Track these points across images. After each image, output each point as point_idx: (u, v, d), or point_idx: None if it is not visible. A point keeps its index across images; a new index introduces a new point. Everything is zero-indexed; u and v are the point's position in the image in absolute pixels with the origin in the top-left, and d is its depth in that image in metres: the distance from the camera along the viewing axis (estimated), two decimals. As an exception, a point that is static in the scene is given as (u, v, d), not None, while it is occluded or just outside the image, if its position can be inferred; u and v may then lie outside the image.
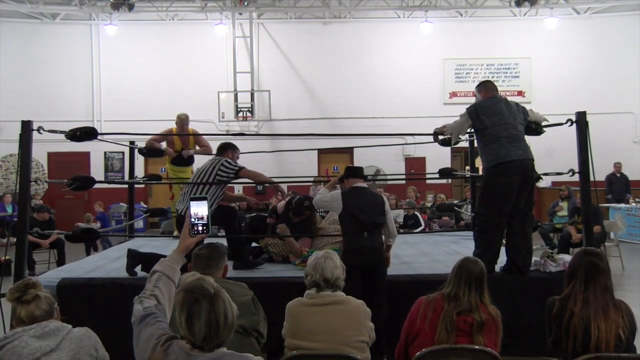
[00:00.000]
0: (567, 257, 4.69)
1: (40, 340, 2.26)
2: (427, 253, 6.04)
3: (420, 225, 9.45)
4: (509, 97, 5.77)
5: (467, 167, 9.62)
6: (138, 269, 4.79)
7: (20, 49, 14.78)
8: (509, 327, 3.43)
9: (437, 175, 7.13)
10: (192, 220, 2.36)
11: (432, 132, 5.25)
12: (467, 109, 4.80)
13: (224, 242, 4.69)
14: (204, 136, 7.68)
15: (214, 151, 7.20)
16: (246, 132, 13.69)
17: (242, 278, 3.92)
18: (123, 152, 14.41)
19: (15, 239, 4.60)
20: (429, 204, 11.81)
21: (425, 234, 8.39)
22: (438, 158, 12.77)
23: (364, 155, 14.30)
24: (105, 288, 4.55)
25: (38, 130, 4.64)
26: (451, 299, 2.99)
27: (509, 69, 15.36)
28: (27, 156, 4.63)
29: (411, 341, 3.08)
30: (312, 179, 12.59)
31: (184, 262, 2.40)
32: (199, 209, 2.37)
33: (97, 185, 5.31)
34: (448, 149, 12.66)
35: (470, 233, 5.88)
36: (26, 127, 4.60)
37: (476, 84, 5.13)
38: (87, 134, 4.94)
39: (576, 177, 4.93)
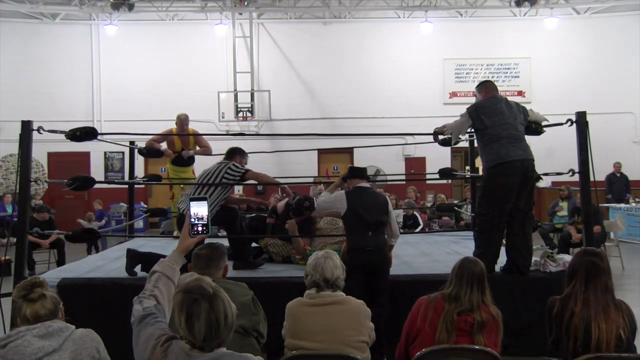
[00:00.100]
0: (567, 257, 4.69)
1: (43, 340, 2.26)
2: (427, 253, 6.04)
3: (419, 224, 9.45)
4: (509, 97, 5.77)
5: (467, 167, 9.62)
6: (138, 268, 4.79)
7: (20, 49, 14.78)
8: (509, 327, 3.42)
9: (437, 175, 7.11)
10: (192, 220, 2.36)
11: (432, 132, 5.24)
12: (467, 108, 4.80)
13: (223, 242, 4.69)
14: (204, 136, 7.68)
15: (215, 152, 7.27)
16: (246, 132, 13.70)
17: (242, 278, 3.92)
18: (123, 152, 14.41)
19: (15, 239, 4.60)
20: (429, 204, 11.81)
21: (425, 234, 8.39)
22: (438, 158, 12.77)
23: (364, 155, 14.29)
24: (105, 288, 4.55)
25: (38, 130, 4.64)
26: (452, 299, 2.99)
27: (509, 69, 15.36)
28: (27, 156, 4.63)
29: (411, 341, 3.08)
30: (312, 179, 12.62)
31: (183, 262, 2.40)
32: (199, 210, 2.36)
33: (97, 186, 5.31)
34: (448, 149, 12.67)
35: (470, 233, 5.88)
36: (26, 127, 4.60)
37: (476, 84, 5.13)
38: (87, 134, 4.94)
39: (576, 177, 4.93)
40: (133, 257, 4.83)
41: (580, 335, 2.80)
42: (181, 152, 7.22)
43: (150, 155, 7.51)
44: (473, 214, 6.72)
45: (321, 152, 14.60)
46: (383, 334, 4.00)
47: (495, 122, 4.59)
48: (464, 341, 2.92)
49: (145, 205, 13.27)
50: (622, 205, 12.07)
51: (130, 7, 13.41)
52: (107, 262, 5.64)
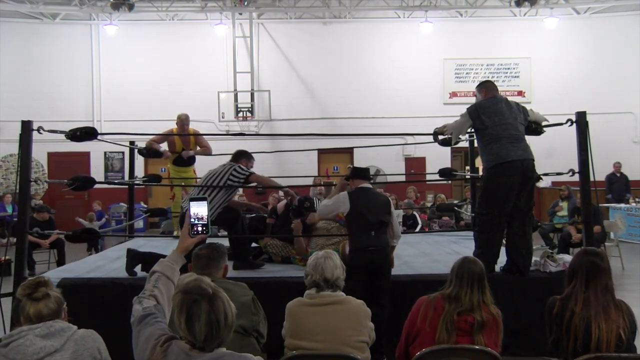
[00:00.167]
0: (567, 257, 4.69)
1: (45, 340, 2.27)
2: (427, 253, 6.04)
3: (418, 224, 9.45)
4: (509, 97, 5.77)
5: (467, 167, 9.62)
6: (138, 268, 4.79)
7: (20, 49, 14.78)
8: (509, 327, 3.42)
9: (437, 176, 7.12)
10: (192, 220, 2.36)
11: (432, 132, 5.24)
12: (467, 108, 4.80)
13: (223, 242, 4.69)
14: (204, 136, 7.67)
15: (215, 152, 7.27)
16: (246, 132, 13.69)
17: (242, 278, 3.92)
18: (123, 152, 14.41)
19: (15, 239, 4.60)
20: (429, 204, 11.81)
21: (425, 234, 8.39)
22: (438, 158, 12.77)
23: (364, 155, 14.29)
24: (105, 288, 4.56)
25: (38, 130, 4.64)
26: (452, 299, 2.99)
27: (509, 69, 15.36)
28: (27, 156, 4.63)
29: (411, 341, 3.08)
30: (312, 179, 12.61)
31: (183, 263, 2.40)
32: (199, 210, 2.36)
33: (97, 185, 5.31)
34: (448, 149, 12.67)
35: (470, 233, 5.88)
36: (26, 127, 4.60)
37: (476, 84, 5.13)
38: (87, 134, 4.94)
39: (576, 177, 4.93)
40: (133, 257, 4.84)
41: (580, 335, 2.80)
42: (181, 152, 7.22)
43: (150, 156, 7.52)
44: (473, 214, 6.72)
45: (321, 152, 14.60)
46: (383, 334, 4.00)
47: (495, 122, 4.59)
48: (464, 341, 2.92)
49: (145, 205, 13.27)
50: (622, 205, 12.07)
51: (130, 7, 13.41)
52: (107, 262, 5.65)
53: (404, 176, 14.18)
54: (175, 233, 7.71)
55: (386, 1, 14.57)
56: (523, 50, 15.24)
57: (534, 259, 4.79)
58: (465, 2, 14.69)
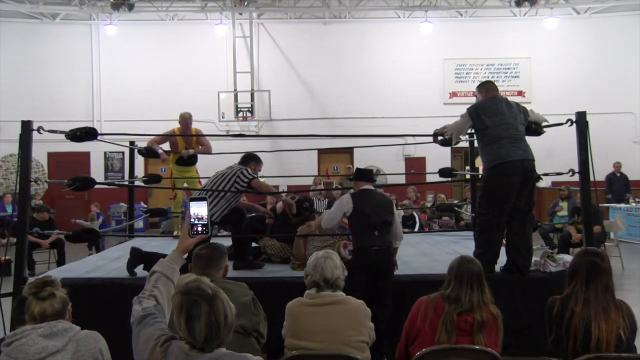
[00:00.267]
0: (567, 257, 4.70)
1: (47, 339, 2.27)
2: (427, 253, 6.04)
3: (417, 224, 9.45)
4: (509, 97, 5.77)
5: (467, 167, 9.62)
6: (139, 268, 4.78)
7: (20, 49, 14.78)
8: (509, 327, 3.42)
9: (437, 176, 7.14)
10: (192, 220, 2.36)
11: (432, 133, 5.24)
12: (467, 109, 4.80)
13: (223, 242, 4.69)
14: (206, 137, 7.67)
15: (214, 151, 7.27)
16: (246, 133, 13.68)
17: (242, 278, 3.92)
18: (123, 152, 14.41)
19: (15, 239, 4.60)
20: (429, 204, 11.81)
21: (425, 234, 8.39)
22: (438, 158, 12.77)
23: (364, 156, 14.29)
24: (105, 288, 4.56)
25: (38, 130, 4.64)
26: (452, 300, 2.98)
27: (509, 69, 15.36)
28: (27, 156, 4.63)
29: (411, 341, 3.08)
30: (312, 179, 12.62)
31: (183, 263, 2.40)
32: (199, 210, 2.36)
33: (96, 185, 5.31)
34: (448, 149, 12.67)
35: (470, 233, 5.88)
36: (26, 127, 4.59)
37: (476, 84, 5.13)
38: (87, 134, 4.94)
39: (576, 177, 4.93)
40: (136, 256, 4.82)
41: (580, 335, 2.80)
42: (181, 152, 7.21)
43: (149, 156, 7.51)
44: (473, 214, 6.72)
45: (321, 152, 14.60)
46: (384, 334, 4.00)
47: (495, 122, 4.60)
48: (464, 341, 2.91)
49: (145, 205, 13.28)
50: (622, 205, 12.07)
51: (130, 7, 13.41)
52: (107, 262, 5.65)
53: (404, 176, 14.18)
54: (175, 233, 7.72)
55: (386, 1, 14.57)
56: (523, 50, 15.24)
57: (534, 259, 4.80)
58: (465, 2, 14.69)
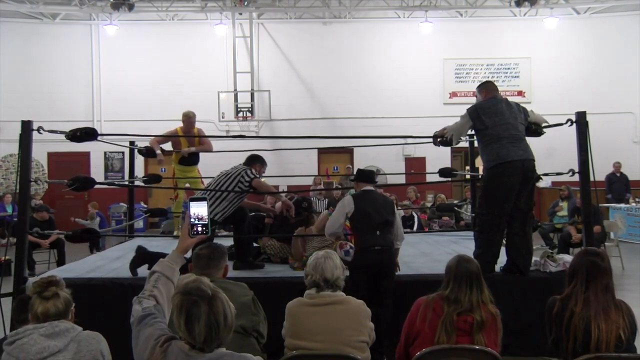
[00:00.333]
0: (567, 257, 4.70)
1: (49, 339, 2.28)
2: (427, 253, 6.04)
3: (415, 224, 9.45)
4: (509, 97, 5.77)
5: (467, 167, 9.62)
6: (143, 268, 4.76)
7: (20, 49, 14.78)
8: (509, 327, 3.42)
9: (437, 176, 7.15)
10: (192, 220, 2.35)
11: (432, 134, 5.22)
12: (467, 109, 4.80)
13: (223, 242, 4.69)
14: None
15: (213, 149, 7.27)
16: (246, 133, 13.69)
17: (242, 278, 3.92)
18: (123, 152, 14.41)
19: (15, 239, 4.60)
20: (429, 204, 11.81)
21: (425, 234, 8.39)
22: (438, 158, 12.77)
23: (364, 155, 14.30)
24: (105, 288, 4.56)
25: (38, 130, 4.64)
26: (451, 301, 2.98)
27: (509, 69, 15.35)
28: (27, 156, 4.63)
29: (411, 342, 3.08)
30: (312, 178, 12.62)
31: (183, 263, 2.40)
32: (199, 210, 2.36)
33: (96, 185, 5.31)
34: (448, 149, 12.67)
35: (470, 233, 5.88)
36: (26, 127, 4.60)
37: (476, 84, 5.13)
38: (87, 134, 4.94)
39: (576, 177, 4.93)
40: (141, 255, 4.79)
41: (580, 335, 2.80)
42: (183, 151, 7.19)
43: (149, 156, 7.49)
44: (473, 214, 6.72)
45: (321, 151, 14.60)
46: (385, 334, 4.00)
47: (495, 122, 4.60)
48: (464, 341, 2.91)
49: (145, 205, 13.27)
50: (622, 205, 12.07)
51: (130, 7, 13.41)
52: (107, 262, 5.65)
53: (404, 176, 14.18)
54: (175, 233, 7.72)
55: (386, 1, 14.57)
56: (523, 50, 15.24)
57: (534, 259, 4.79)
58: (465, 2, 14.69)
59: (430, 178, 12.81)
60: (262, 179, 5.42)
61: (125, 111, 14.35)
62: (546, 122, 4.99)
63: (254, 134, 14.36)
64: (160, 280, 2.25)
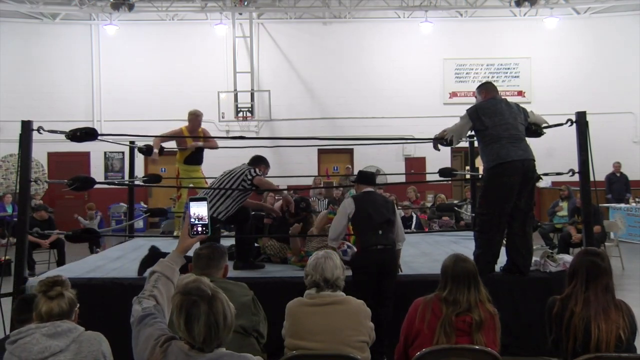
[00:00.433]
0: (567, 257, 4.70)
1: (50, 339, 2.28)
2: (427, 253, 6.04)
3: (419, 224, 9.45)
4: (509, 97, 5.78)
5: (467, 167, 9.62)
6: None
7: (20, 49, 14.78)
8: (509, 327, 3.43)
9: (437, 176, 7.16)
10: (192, 220, 2.35)
11: (432, 136, 5.20)
12: (467, 110, 4.80)
13: (223, 242, 4.70)
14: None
15: (219, 144, 7.28)
16: (246, 133, 13.69)
17: (242, 278, 3.92)
18: (123, 152, 14.41)
19: (15, 239, 4.60)
20: (429, 204, 11.81)
21: (425, 234, 8.39)
22: (438, 158, 12.59)
23: (364, 155, 14.31)
24: (105, 288, 4.56)
25: (38, 130, 4.64)
26: (449, 303, 2.97)
27: (509, 69, 15.35)
28: (27, 156, 4.63)
29: (410, 343, 3.08)
30: (312, 178, 12.62)
31: (183, 263, 2.40)
32: (199, 210, 2.36)
33: (96, 185, 5.31)
34: (448, 149, 12.64)
35: (470, 233, 5.88)
36: (26, 127, 4.60)
37: (476, 84, 5.14)
38: (87, 134, 4.94)
39: (576, 177, 4.94)
40: (155, 255, 4.70)
41: (580, 335, 2.80)
42: (191, 149, 7.17)
43: (149, 154, 7.49)
44: (473, 214, 6.72)
45: (321, 151, 14.61)
46: (386, 334, 4.00)
47: (495, 122, 4.60)
48: (463, 341, 2.91)
49: (145, 205, 13.27)
50: (622, 205, 12.07)
51: (130, 7, 13.40)
52: (107, 262, 5.65)
53: (404, 176, 14.18)
54: (175, 233, 7.71)
55: (386, 1, 14.57)
56: (523, 50, 15.23)
57: (534, 259, 4.80)
58: (465, 2, 14.69)
59: (430, 178, 12.80)
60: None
61: (125, 111, 14.35)
62: (546, 122, 4.99)
63: (254, 134, 14.37)
64: (160, 280, 2.25)
